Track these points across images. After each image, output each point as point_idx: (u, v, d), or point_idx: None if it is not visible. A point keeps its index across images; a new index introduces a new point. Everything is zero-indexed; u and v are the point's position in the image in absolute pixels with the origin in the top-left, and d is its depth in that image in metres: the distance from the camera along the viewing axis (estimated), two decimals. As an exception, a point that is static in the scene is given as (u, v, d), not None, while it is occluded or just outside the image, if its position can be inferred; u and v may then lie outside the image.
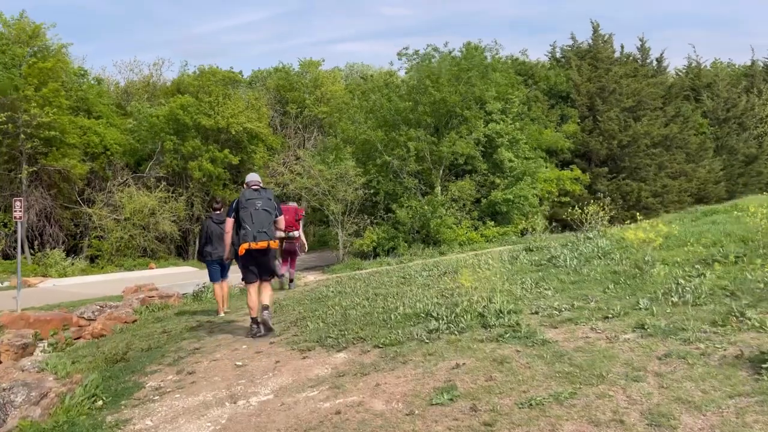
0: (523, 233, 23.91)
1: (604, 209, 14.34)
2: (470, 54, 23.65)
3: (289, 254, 13.76)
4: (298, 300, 11.69)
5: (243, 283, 8.45)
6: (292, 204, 14.18)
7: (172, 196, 31.07)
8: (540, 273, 9.48)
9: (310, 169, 22.37)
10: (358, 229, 21.82)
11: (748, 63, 43.98)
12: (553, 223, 24.84)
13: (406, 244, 21.97)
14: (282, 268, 13.29)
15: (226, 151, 32.35)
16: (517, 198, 23.00)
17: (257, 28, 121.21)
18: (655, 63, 35.79)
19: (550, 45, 33.90)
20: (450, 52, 23.94)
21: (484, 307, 7.03)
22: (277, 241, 8.12)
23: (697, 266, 7.50)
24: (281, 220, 8.29)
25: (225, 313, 11.33)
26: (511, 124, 24.09)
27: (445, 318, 6.90)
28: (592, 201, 28.83)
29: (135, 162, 33.38)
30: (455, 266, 12.60)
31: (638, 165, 29.04)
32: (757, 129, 37.56)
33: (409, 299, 9.00)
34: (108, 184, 30.61)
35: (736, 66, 48.34)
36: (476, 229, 22.80)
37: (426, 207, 22.10)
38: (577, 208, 15.07)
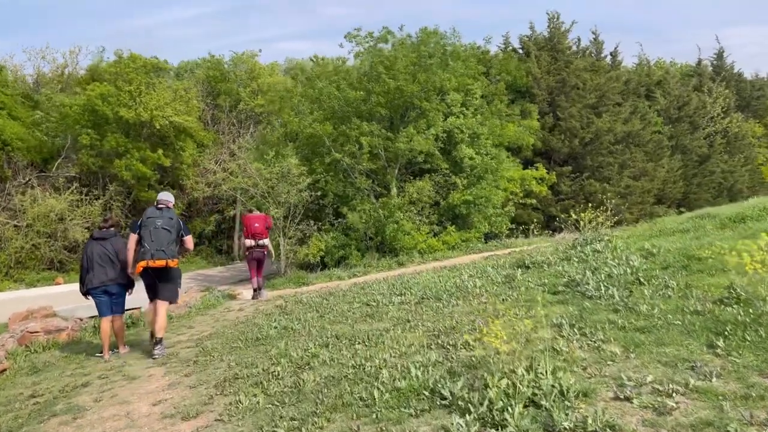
0: (486, 238, 21.64)
1: (606, 212, 12.06)
2: (428, 39, 21.12)
3: (257, 263, 13.66)
4: (228, 340, 8.75)
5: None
6: (257, 212, 14.26)
7: (85, 199, 27.01)
8: (569, 307, 6.94)
9: (247, 168, 19.23)
10: (303, 236, 18.86)
11: (692, 63, 43.82)
12: (522, 227, 22.72)
13: (358, 253, 19.21)
14: (252, 280, 13.78)
15: (161, 151, 28.54)
16: (478, 199, 20.65)
17: (192, 23, 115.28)
18: (609, 58, 34.48)
19: (503, 36, 31.87)
20: (407, 37, 21.33)
21: (530, 382, 4.38)
22: (176, 260, 7.94)
23: None
24: (189, 240, 8.33)
25: (122, 353, 8.58)
26: (472, 117, 21.74)
27: (471, 405, 4.21)
28: (555, 203, 27.24)
29: (42, 160, 28.99)
30: (432, 289, 9.96)
31: (601, 164, 27.39)
32: (707, 128, 36.94)
33: (391, 352, 6.29)
34: (7, 185, 26.22)
35: (679, 65, 48.33)
36: (436, 235, 20.29)
37: (381, 211, 19.41)
38: (572, 212, 12.77)
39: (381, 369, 5.62)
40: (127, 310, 11.58)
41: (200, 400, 5.82)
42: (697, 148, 34.09)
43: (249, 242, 13.62)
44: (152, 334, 8.49)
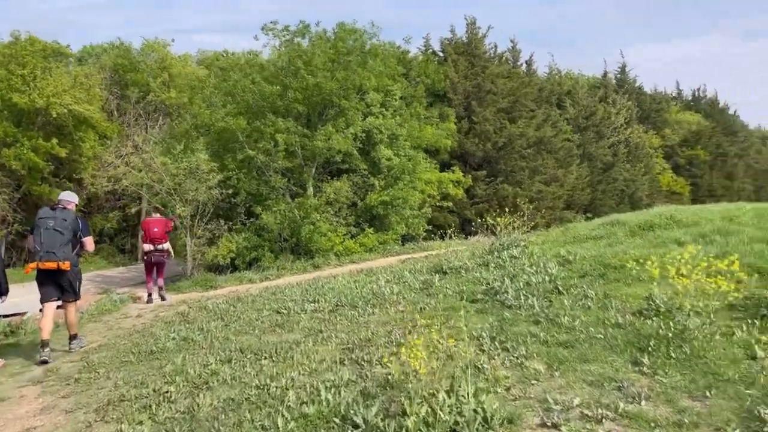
0: (403, 240, 21.44)
1: (522, 216, 12.05)
2: (346, 36, 20.61)
3: (157, 266, 13.23)
4: (119, 353, 7.85)
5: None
6: (158, 216, 13.81)
7: (-35, 191, 24.37)
8: (488, 318, 6.66)
9: (152, 162, 17.93)
10: (212, 236, 17.81)
11: (598, 75, 46.01)
12: (439, 230, 22.70)
13: (272, 255, 18.38)
14: (148, 285, 13.28)
15: (54, 141, 26.18)
16: (395, 200, 20.39)
17: (105, 9, 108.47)
18: (525, 66, 35.45)
19: (423, 38, 31.91)
20: (324, 32, 20.70)
21: (452, 408, 3.98)
22: (68, 262, 7.66)
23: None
24: (88, 242, 8.11)
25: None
26: (391, 118, 21.46)
27: (387, 435, 3.77)
28: (470, 206, 27.55)
29: None
30: (348, 295, 9.48)
31: (514, 168, 27.97)
32: (611, 138, 38.78)
33: (300, 369, 5.74)
34: None
35: (587, 77, 50.65)
36: (353, 236, 19.83)
37: (297, 211, 18.70)
38: (486, 215, 12.69)
39: (288, 390, 5.06)
40: (6, 316, 10.31)
41: (76, 428, 5.03)
42: (602, 156, 35.69)
43: (147, 247, 13.00)
44: (43, 343, 7.76)
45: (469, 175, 26.47)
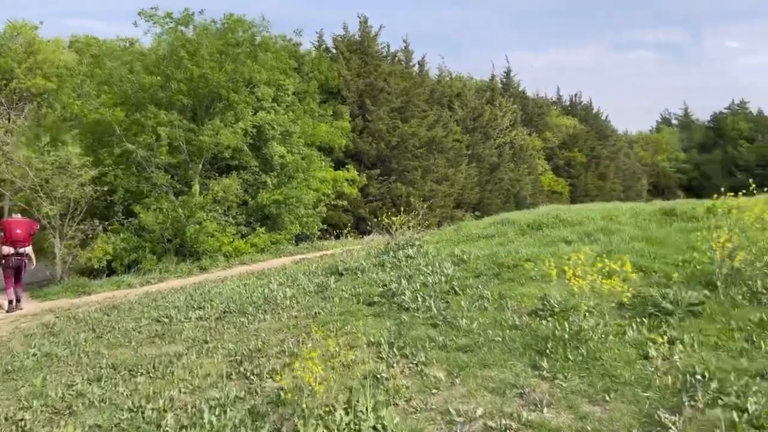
0: (297, 240, 20.86)
1: (417, 216, 12.00)
2: (235, 26, 19.65)
3: (15, 271, 11.99)
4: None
5: None
6: (20, 216, 12.82)
7: None
8: (386, 321, 6.42)
9: (13, 156, 16.03)
10: (85, 237, 16.25)
11: (485, 79, 47.81)
12: (335, 230, 22.41)
13: (153, 257, 17.10)
14: (8, 291, 12.03)
15: None
16: (288, 199, 19.79)
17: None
18: (417, 67, 35.96)
19: (317, 33, 31.38)
20: (212, 23, 19.59)
21: (349, 426, 3.66)
22: None
23: (658, 313, 5.19)
24: None
25: None
26: (284, 114, 20.79)
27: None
28: (364, 204, 27.47)
29: None
30: (237, 301, 8.90)
31: (406, 167, 28.25)
32: (498, 139, 40.37)
33: (182, 386, 5.18)
34: None
35: (475, 80, 52.50)
36: (244, 236, 18.97)
37: (181, 210, 17.55)
38: (380, 214, 12.53)
39: (166, 412, 4.51)
40: None
41: None
42: (489, 157, 37.04)
43: (7, 249, 11.57)
44: None
45: (364, 174, 26.35)
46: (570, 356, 4.54)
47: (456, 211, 30.49)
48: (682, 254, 6.96)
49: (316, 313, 7.32)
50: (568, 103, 55.31)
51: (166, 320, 8.31)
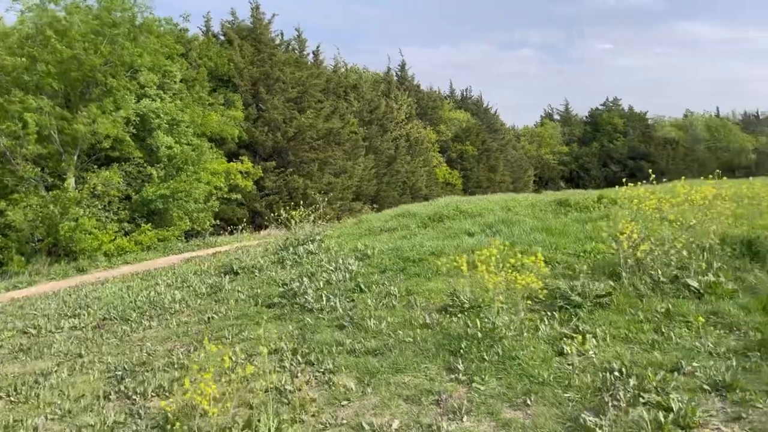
0: (187, 237, 19.63)
1: (317, 210, 11.56)
2: (112, 6, 18.03)
3: None
4: None
5: None
6: None
7: None
8: (288, 325, 5.95)
9: None
10: (-64, 238, 14.27)
11: (381, 71, 47.95)
12: (229, 226, 21.35)
13: (21, 258, 15.37)
14: None
15: None
16: (177, 193, 18.56)
17: None
18: (312, 56, 35.27)
19: (204, 17, 29.67)
20: (83, 0, 17.81)
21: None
22: None
23: (567, 306, 5.08)
24: None
25: None
26: (171, 102, 19.44)
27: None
28: (260, 198, 26.47)
29: None
30: (118, 306, 8.02)
31: (304, 159, 27.64)
32: (394, 132, 40.62)
33: (49, 410, 4.46)
34: None
35: (371, 72, 52.52)
36: (127, 234, 17.54)
37: (53, 206, 15.88)
38: (277, 208, 11.96)
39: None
40: None
41: None
42: (386, 149, 37.16)
43: None
44: None
45: (259, 166, 25.40)
46: (485, 356, 4.34)
47: (354, 204, 30.29)
48: (581, 244, 7.06)
49: (209, 318, 6.70)
50: (460, 98, 56.83)
51: (34, 331, 7.30)
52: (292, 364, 4.77)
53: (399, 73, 49.12)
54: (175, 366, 5.19)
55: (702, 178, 8.42)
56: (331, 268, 7.81)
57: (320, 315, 6.04)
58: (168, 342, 6.04)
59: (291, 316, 6.22)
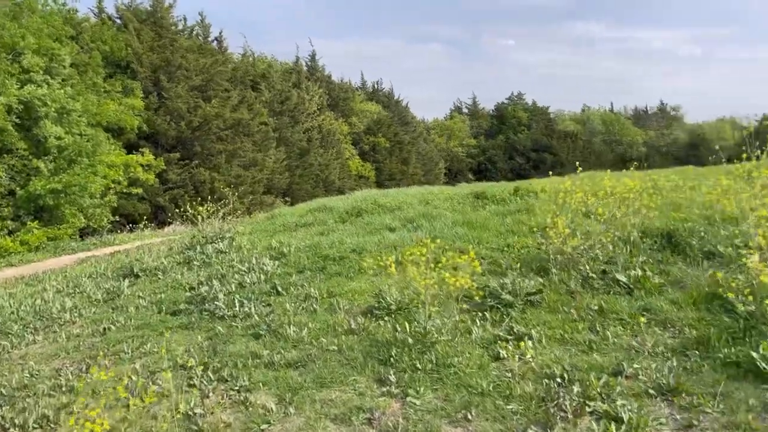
0: (82, 235, 18.10)
1: (228, 206, 10.86)
2: (-10, -19, 16.20)
3: None
4: None
5: None
6: None
7: None
8: (196, 335, 5.36)
9: None
10: None
11: (290, 62, 46.89)
12: (129, 222, 19.92)
13: None
14: None
15: None
16: (69, 188, 17.04)
17: None
18: (216, 43, 33.82)
19: (95, -3, 27.51)
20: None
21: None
22: None
23: (498, 305, 4.82)
24: None
25: None
26: (60, 89, 17.77)
27: None
28: (163, 192, 24.94)
29: None
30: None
31: (210, 151, 26.46)
32: (306, 123, 39.90)
33: None
34: None
35: (280, 62, 51.23)
36: (11, 233, 15.87)
37: None
38: (183, 203, 11.14)
39: None
40: None
41: None
42: (298, 141, 36.38)
43: None
44: None
45: (161, 158, 23.94)
46: (418, 364, 4.03)
47: (266, 198, 29.40)
48: (504, 238, 6.94)
49: (104, 329, 5.96)
50: (371, 90, 56.71)
51: None
52: (202, 382, 4.24)
53: (309, 63, 48.25)
54: (63, 389, 4.51)
55: (625, 170, 8.53)
56: (243, 268, 7.24)
57: (233, 323, 5.50)
58: (55, 360, 5.29)
59: (200, 325, 5.63)
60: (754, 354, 3.50)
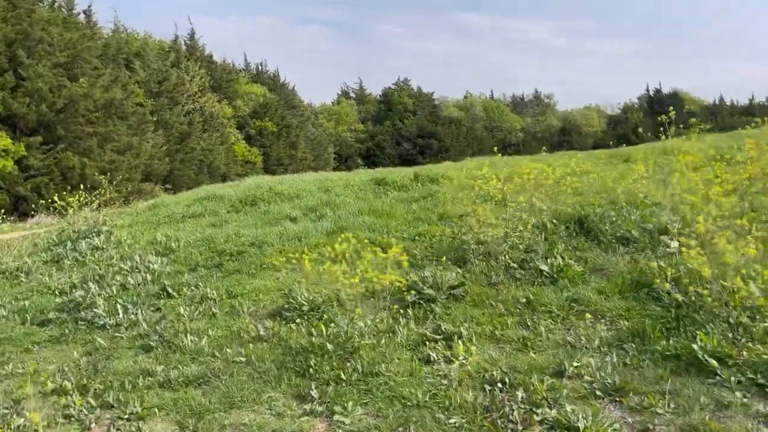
0: None
1: (103, 195, 9.71)
2: None
3: None
4: None
5: None
6: None
7: None
8: (71, 350, 4.55)
9: None
10: None
11: (167, 39, 44.04)
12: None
13: None
14: None
15: None
16: None
17: None
18: (83, 17, 30.88)
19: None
20: None
21: None
22: None
23: (420, 301, 4.42)
24: None
25: None
26: None
27: None
28: (24, 180, 22.31)
29: None
30: None
31: (79, 135, 24.13)
32: (186, 105, 37.81)
33: None
34: None
35: (156, 39, 47.93)
36: None
37: None
38: (48, 192, 9.83)
39: None
40: None
41: None
42: (178, 124, 34.29)
43: None
44: None
45: (21, 143, 21.41)
46: (342, 375, 3.59)
47: (145, 185, 27.42)
48: (413, 227, 6.65)
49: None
50: (255, 72, 54.73)
51: None
52: (81, 411, 3.53)
53: (188, 42, 45.61)
54: None
55: (508, 156, 8.57)
56: (125, 267, 6.38)
57: (117, 333, 4.74)
58: None
59: (75, 338, 4.81)
60: (695, 346, 3.44)
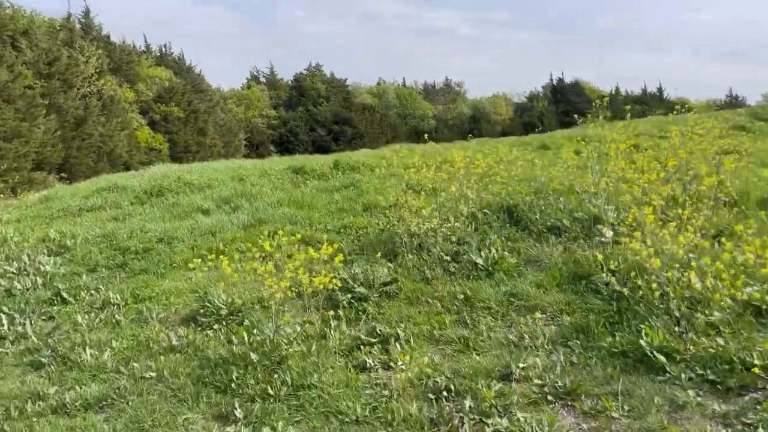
0: None
1: None
2: None
3: None
4: None
5: None
6: None
7: None
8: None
9: None
10: None
11: (58, 17, 40.84)
12: None
13: None
14: None
15: None
16: None
17: None
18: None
19: None
20: None
21: None
22: None
23: (352, 300, 4.08)
24: None
25: None
26: None
27: None
28: None
29: None
30: None
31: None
32: (82, 89, 35.29)
33: None
34: None
35: (45, 17, 44.27)
36: None
37: None
38: None
39: None
40: None
41: None
42: (73, 109, 31.91)
43: None
44: None
45: None
46: (270, 390, 3.20)
47: (36, 174, 25.35)
48: (337, 218, 6.31)
49: None
50: (158, 55, 51.91)
51: None
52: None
53: (83, 20, 42.49)
54: None
55: (422, 143, 8.40)
56: (12, 270, 5.60)
57: (0, 348, 4.09)
58: None
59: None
60: (642, 342, 3.35)
